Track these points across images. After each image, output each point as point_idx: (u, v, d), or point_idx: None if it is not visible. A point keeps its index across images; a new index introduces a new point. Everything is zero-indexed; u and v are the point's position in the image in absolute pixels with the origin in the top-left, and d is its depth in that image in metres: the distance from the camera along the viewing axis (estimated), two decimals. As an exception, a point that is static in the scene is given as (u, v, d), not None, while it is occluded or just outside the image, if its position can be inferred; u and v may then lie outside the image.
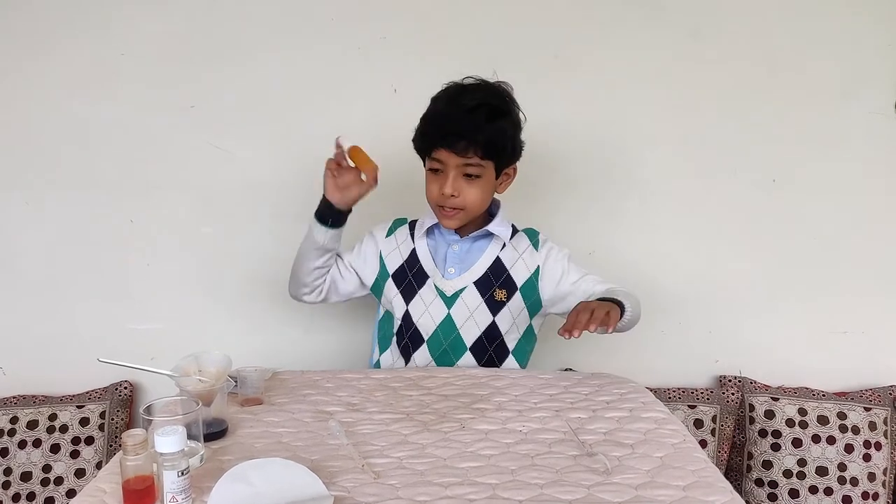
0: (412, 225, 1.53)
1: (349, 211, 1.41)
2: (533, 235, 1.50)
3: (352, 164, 1.34)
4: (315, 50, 1.82)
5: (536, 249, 1.47)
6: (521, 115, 1.40)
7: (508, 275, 1.44)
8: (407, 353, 1.45)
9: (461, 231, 1.46)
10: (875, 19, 1.85)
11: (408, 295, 1.45)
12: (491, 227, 1.44)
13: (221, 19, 1.80)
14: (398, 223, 1.55)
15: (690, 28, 1.84)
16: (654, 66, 1.85)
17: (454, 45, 1.82)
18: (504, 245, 1.46)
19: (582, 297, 1.41)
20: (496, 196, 1.48)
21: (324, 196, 1.39)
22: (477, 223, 1.46)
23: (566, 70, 1.84)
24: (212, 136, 1.84)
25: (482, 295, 1.42)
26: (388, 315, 1.51)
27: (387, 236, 1.52)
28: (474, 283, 1.43)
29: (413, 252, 1.48)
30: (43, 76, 1.80)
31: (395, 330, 1.48)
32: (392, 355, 1.48)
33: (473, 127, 1.31)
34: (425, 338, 1.43)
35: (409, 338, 1.45)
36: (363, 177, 1.35)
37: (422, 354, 1.44)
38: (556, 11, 1.83)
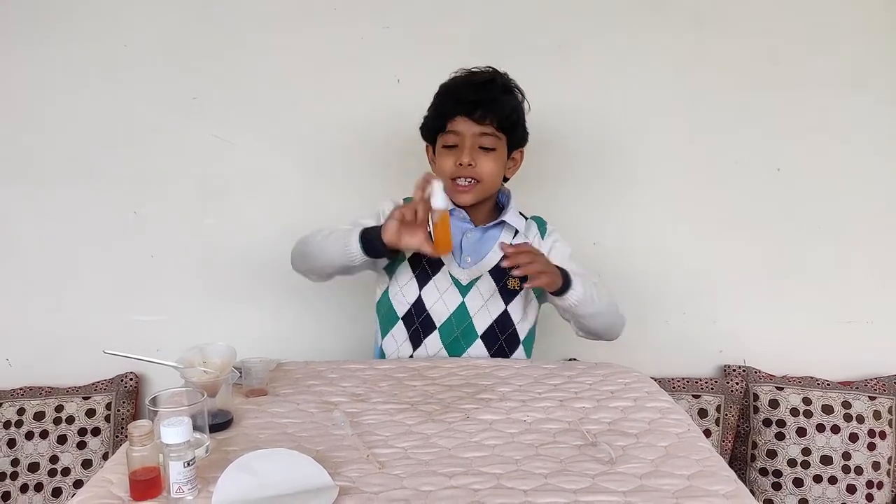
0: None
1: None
2: (541, 224, 1.51)
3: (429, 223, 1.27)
4: (317, 41, 1.81)
5: (542, 238, 1.48)
6: (525, 103, 1.44)
7: None
8: (417, 339, 1.44)
9: (474, 219, 1.46)
10: (880, 9, 1.84)
11: (422, 280, 1.44)
12: (506, 218, 1.45)
13: (223, 11, 1.80)
14: None
15: (694, 19, 1.83)
16: (658, 56, 1.84)
17: (457, 35, 1.81)
18: (516, 233, 1.47)
19: None
20: (505, 185, 1.49)
21: (377, 230, 1.29)
22: (488, 214, 1.47)
23: (570, 60, 1.83)
24: (214, 127, 1.84)
25: (497, 283, 1.42)
26: (386, 296, 1.50)
27: None
28: (489, 271, 1.43)
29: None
30: (45, 68, 1.80)
31: (401, 314, 1.47)
32: (395, 340, 1.47)
33: (490, 97, 1.36)
34: (437, 325, 1.43)
35: (419, 323, 1.44)
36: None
37: (433, 341, 1.43)
38: (559, 2, 1.81)
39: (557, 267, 1.30)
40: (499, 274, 1.43)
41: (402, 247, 1.29)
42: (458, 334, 1.42)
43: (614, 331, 1.44)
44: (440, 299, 1.43)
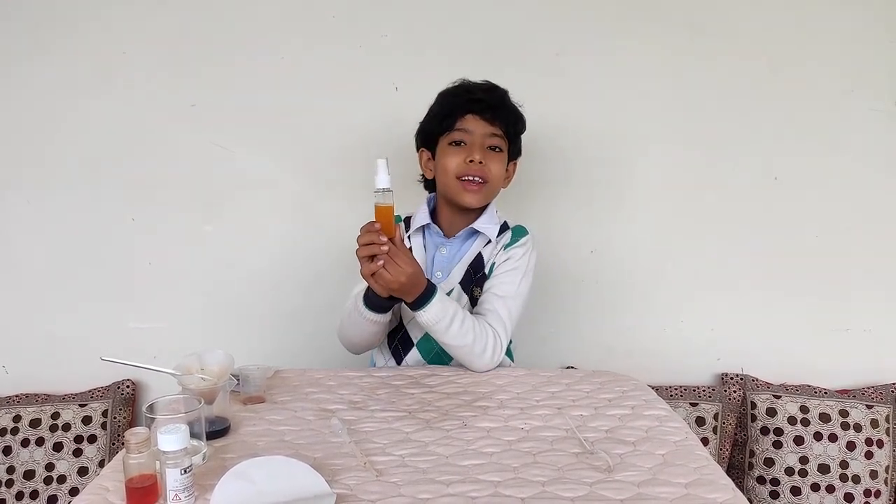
0: (407, 221, 1.50)
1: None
2: (517, 234, 1.45)
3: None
4: (316, 48, 1.82)
5: (505, 248, 1.42)
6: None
7: (484, 273, 1.42)
8: (398, 356, 1.43)
9: (448, 231, 1.45)
10: (875, 15, 1.85)
11: None
12: (477, 225, 1.42)
13: (222, 18, 1.80)
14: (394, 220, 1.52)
15: (691, 26, 1.84)
16: (655, 63, 1.85)
17: (455, 43, 1.82)
18: (489, 241, 1.43)
19: (483, 300, 1.39)
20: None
21: (373, 296, 1.26)
22: (465, 221, 1.44)
23: (567, 68, 1.84)
24: (213, 134, 1.84)
25: (467, 294, 1.41)
26: None
27: None
28: (459, 283, 1.41)
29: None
30: (44, 74, 1.80)
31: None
32: (383, 355, 1.46)
33: (498, 99, 1.40)
34: (415, 341, 1.42)
35: (399, 340, 1.43)
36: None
37: (413, 357, 1.42)
38: (557, 9, 1.82)
39: (431, 288, 1.24)
40: (466, 284, 1.41)
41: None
42: (437, 350, 1.40)
43: (466, 366, 1.34)
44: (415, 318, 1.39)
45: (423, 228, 1.47)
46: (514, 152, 1.46)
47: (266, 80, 1.82)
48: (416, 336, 1.42)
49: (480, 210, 1.45)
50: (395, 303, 1.30)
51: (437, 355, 1.41)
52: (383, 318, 1.31)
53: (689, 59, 1.85)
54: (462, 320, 1.27)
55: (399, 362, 1.43)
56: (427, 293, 1.24)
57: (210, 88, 1.82)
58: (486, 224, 1.43)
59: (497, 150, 1.39)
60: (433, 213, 1.47)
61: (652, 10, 1.83)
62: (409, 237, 1.46)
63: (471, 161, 1.35)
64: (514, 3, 1.82)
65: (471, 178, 1.37)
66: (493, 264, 1.42)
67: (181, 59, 1.81)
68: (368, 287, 1.26)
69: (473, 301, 1.41)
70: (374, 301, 1.28)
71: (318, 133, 1.85)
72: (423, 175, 1.51)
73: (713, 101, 1.86)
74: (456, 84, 1.44)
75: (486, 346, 1.30)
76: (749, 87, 1.85)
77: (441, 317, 1.25)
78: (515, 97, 1.45)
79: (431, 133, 1.43)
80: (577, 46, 1.84)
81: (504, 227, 1.46)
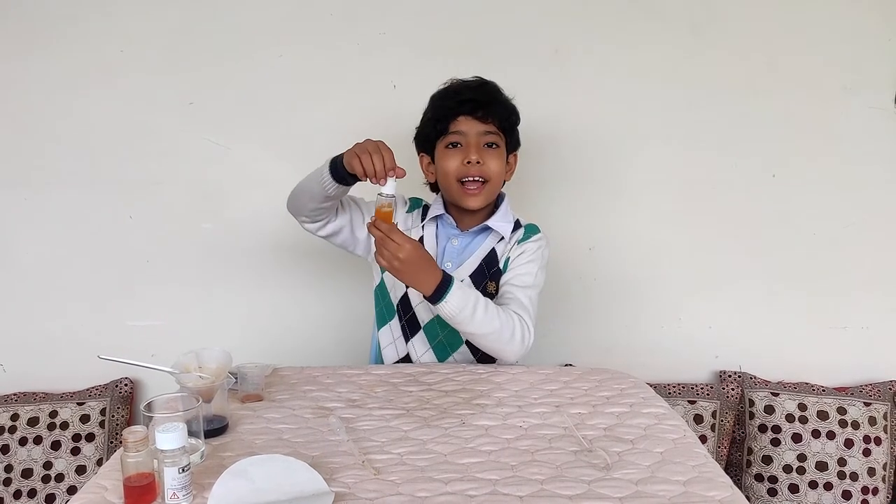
0: (426, 209, 1.51)
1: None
2: (529, 231, 1.47)
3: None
4: (314, 46, 1.82)
5: (518, 243, 1.44)
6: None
7: (498, 268, 1.43)
8: (406, 337, 1.45)
9: (462, 225, 1.46)
10: (874, 14, 1.85)
11: None
12: (491, 223, 1.43)
13: (220, 16, 1.80)
14: (416, 202, 1.53)
15: (690, 23, 1.84)
16: (654, 60, 1.85)
17: (453, 40, 1.81)
18: (502, 238, 1.45)
19: (503, 292, 1.40)
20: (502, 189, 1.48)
21: (342, 162, 1.26)
22: (481, 218, 1.45)
23: (566, 65, 1.84)
24: (210, 132, 1.84)
25: (477, 287, 1.40)
26: (382, 287, 1.49)
27: (407, 211, 1.50)
28: (470, 275, 1.42)
29: (421, 240, 1.46)
30: (42, 72, 1.80)
31: (395, 309, 1.47)
32: (392, 333, 1.47)
33: (489, 96, 1.40)
34: (422, 325, 1.43)
35: (406, 321, 1.45)
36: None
37: (419, 340, 1.44)
38: (556, 6, 1.82)
39: (447, 279, 1.24)
40: (478, 278, 1.42)
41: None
42: (442, 337, 1.42)
43: (498, 355, 1.35)
44: (423, 301, 1.39)
45: (436, 219, 1.48)
46: (513, 144, 1.47)
47: (264, 77, 1.82)
48: (423, 319, 1.43)
49: (493, 207, 1.46)
50: (352, 184, 1.29)
51: (442, 343, 1.42)
52: (332, 188, 1.28)
53: (687, 55, 1.85)
54: (486, 306, 1.27)
55: (407, 341, 1.45)
56: (444, 284, 1.24)
57: (208, 86, 1.82)
58: (500, 222, 1.44)
59: (494, 146, 1.40)
60: (447, 206, 1.48)
61: (651, 7, 1.83)
62: (422, 226, 1.48)
63: (468, 162, 1.37)
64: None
65: (471, 178, 1.38)
66: (508, 259, 1.43)
67: (179, 57, 1.81)
68: (344, 156, 1.25)
69: (487, 295, 1.39)
70: (339, 169, 1.26)
71: (316, 131, 1.84)
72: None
73: (712, 98, 1.86)
74: (446, 85, 1.44)
75: (514, 331, 1.30)
76: (748, 84, 1.85)
77: (463, 305, 1.24)
78: (514, 94, 1.45)
79: (428, 137, 1.45)
80: (576, 43, 1.84)
81: (517, 226, 1.48)
